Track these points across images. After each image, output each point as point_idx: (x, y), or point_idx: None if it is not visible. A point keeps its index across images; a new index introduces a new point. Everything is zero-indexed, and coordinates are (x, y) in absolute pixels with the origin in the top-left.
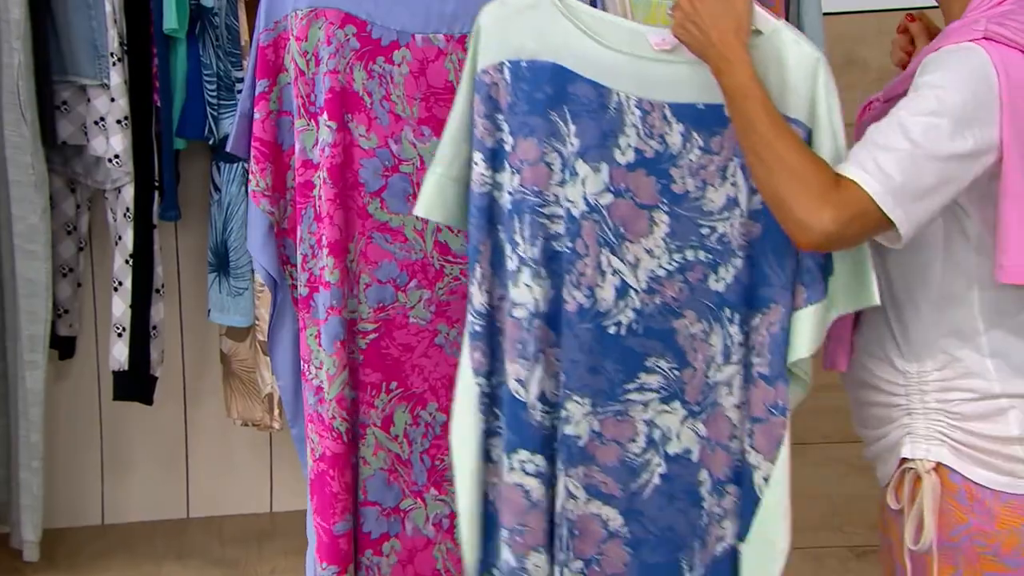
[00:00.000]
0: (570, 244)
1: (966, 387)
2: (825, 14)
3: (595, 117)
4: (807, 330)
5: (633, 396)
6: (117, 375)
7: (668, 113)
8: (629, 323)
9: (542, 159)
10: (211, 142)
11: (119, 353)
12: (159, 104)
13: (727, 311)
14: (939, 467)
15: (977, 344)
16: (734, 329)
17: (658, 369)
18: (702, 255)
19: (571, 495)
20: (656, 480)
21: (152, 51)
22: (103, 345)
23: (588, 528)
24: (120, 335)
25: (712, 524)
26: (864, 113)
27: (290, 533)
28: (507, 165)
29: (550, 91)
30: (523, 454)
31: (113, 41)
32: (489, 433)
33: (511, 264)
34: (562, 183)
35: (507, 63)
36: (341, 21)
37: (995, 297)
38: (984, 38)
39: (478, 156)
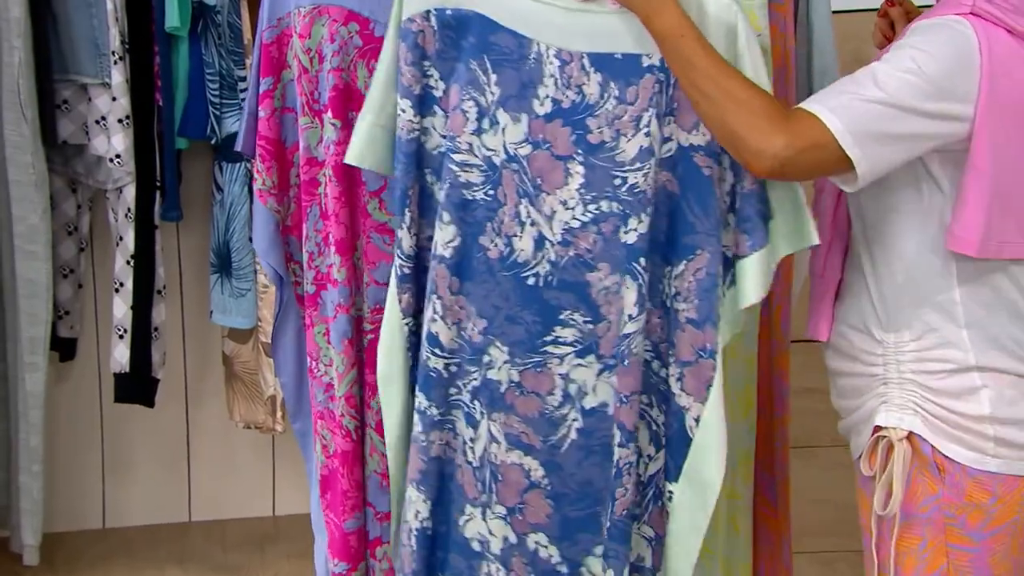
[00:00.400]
0: (491, 192)
1: (941, 357)
2: (834, 12)
3: (515, 67)
4: (754, 276)
5: (550, 349)
6: (118, 377)
7: (586, 63)
8: (546, 275)
9: (460, 106)
10: (213, 141)
11: (120, 355)
12: (161, 103)
13: (641, 262)
14: (911, 436)
15: (953, 314)
16: (642, 280)
17: (572, 322)
18: (615, 206)
19: (494, 439)
20: (573, 435)
21: (154, 49)
22: (104, 347)
23: (510, 476)
24: (121, 337)
25: (627, 475)
26: None
27: (294, 537)
28: (438, 109)
29: (472, 40)
30: (420, 398)
31: (114, 39)
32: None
33: (438, 206)
34: (478, 132)
35: (433, 11)
36: (344, 18)
37: (971, 268)
38: (971, 13)
39: (405, 103)
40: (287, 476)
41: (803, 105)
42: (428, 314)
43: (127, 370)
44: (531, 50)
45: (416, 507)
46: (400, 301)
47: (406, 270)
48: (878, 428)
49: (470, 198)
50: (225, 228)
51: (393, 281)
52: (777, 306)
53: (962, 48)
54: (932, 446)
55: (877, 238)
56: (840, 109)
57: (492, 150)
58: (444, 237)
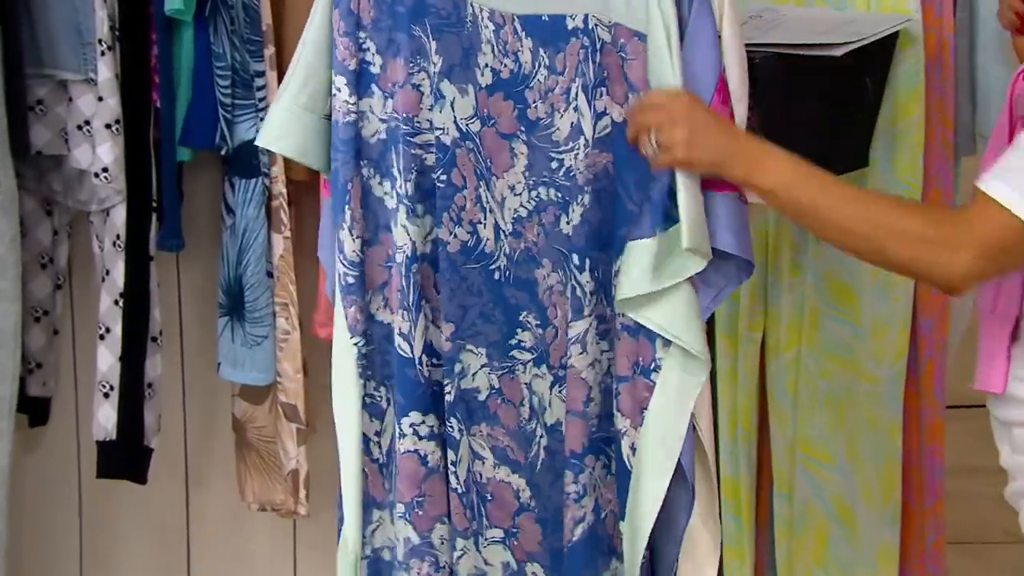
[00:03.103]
0: (444, 176)
1: None
2: None
3: (455, 31)
4: (632, 266)
5: (515, 354)
6: (102, 446)
7: (518, 26)
8: (503, 269)
9: (409, 81)
10: (223, 152)
11: (105, 418)
12: (159, 104)
13: (575, 257)
14: None
15: None
16: (584, 277)
17: (528, 325)
18: (553, 193)
19: (477, 456)
20: (542, 453)
21: (151, 38)
22: (85, 408)
23: (501, 496)
24: (107, 395)
25: (569, 505)
26: (1019, 82)
27: None
28: (376, 89)
29: (410, 3)
30: (414, 416)
31: (102, 25)
32: (370, 407)
33: (390, 203)
34: (430, 107)
35: None
36: None
37: None
38: None
39: (340, 81)
40: (311, 570)
41: (983, 189)
42: (415, 325)
43: (113, 437)
44: (466, 11)
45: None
46: (347, 317)
47: (350, 279)
48: None
49: (433, 183)
50: (237, 260)
51: (337, 293)
52: (928, 361)
53: None
54: None
55: None
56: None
57: (441, 128)
58: (421, 232)
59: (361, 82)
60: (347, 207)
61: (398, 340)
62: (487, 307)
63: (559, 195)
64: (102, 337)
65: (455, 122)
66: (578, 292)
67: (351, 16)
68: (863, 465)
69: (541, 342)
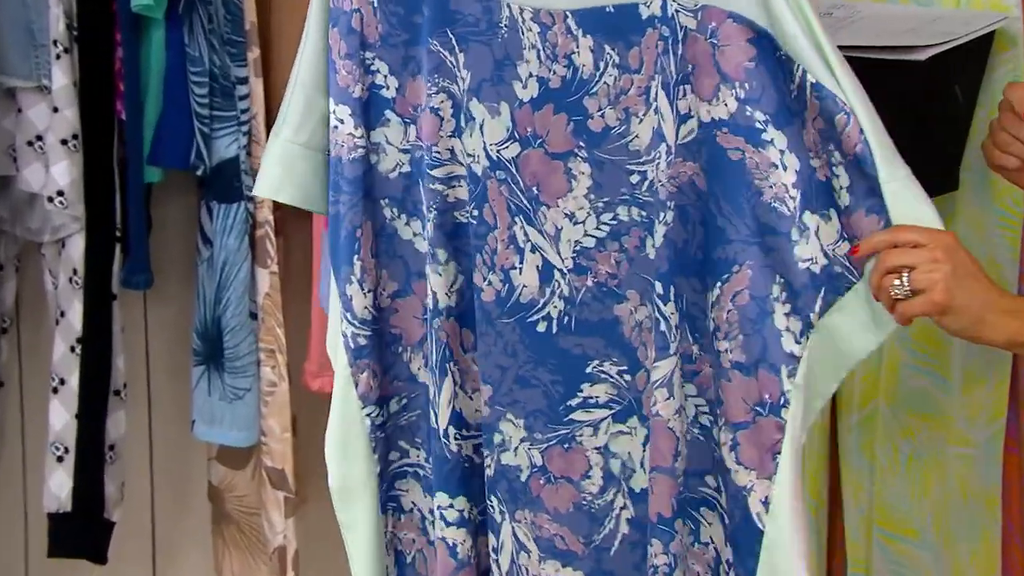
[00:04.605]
0: (476, 213)
1: None
2: None
3: (486, 41)
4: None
5: (578, 416)
6: (55, 519)
7: (572, 24)
8: (560, 316)
9: (429, 104)
10: (200, 172)
11: (58, 486)
12: (124, 116)
13: (658, 285)
14: None
15: None
16: (668, 308)
17: (604, 376)
18: (636, 212)
19: (522, 547)
20: (624, 528)
21: (115, 38)
22: (34, 474)
23: None
24: (60, 459)
25: None
26: None
27: None
28: (392, 115)
29: (428, 12)
30: (441, 498)
31: (57, 24)
32: (397, 475)
33: (422, 246)
34: (456, 133)
35: None
36: None
37: None
38: None
39: (343, 111)
40: None
41: None
42: (440, 391)
43: (68, 508)
44: (501, 15)
45: None
46: (357, 384)
47: (361, 340)
48: None
49: (463, 221)
50: (215, 299)
51: (343, 357)
52: None
53: None
54: None
55: None
56: None
57: (471, 155)
58: (444, 282)
59: (371, 110)
60: (356, 257)
61: (425, 408)
62: (526, 369)
63: (643, 214)
64: (55, 390)
65: (484, 149)
66: (663, 327)
67: (353, 35)
68: (954, 542)
69: (628, 391)
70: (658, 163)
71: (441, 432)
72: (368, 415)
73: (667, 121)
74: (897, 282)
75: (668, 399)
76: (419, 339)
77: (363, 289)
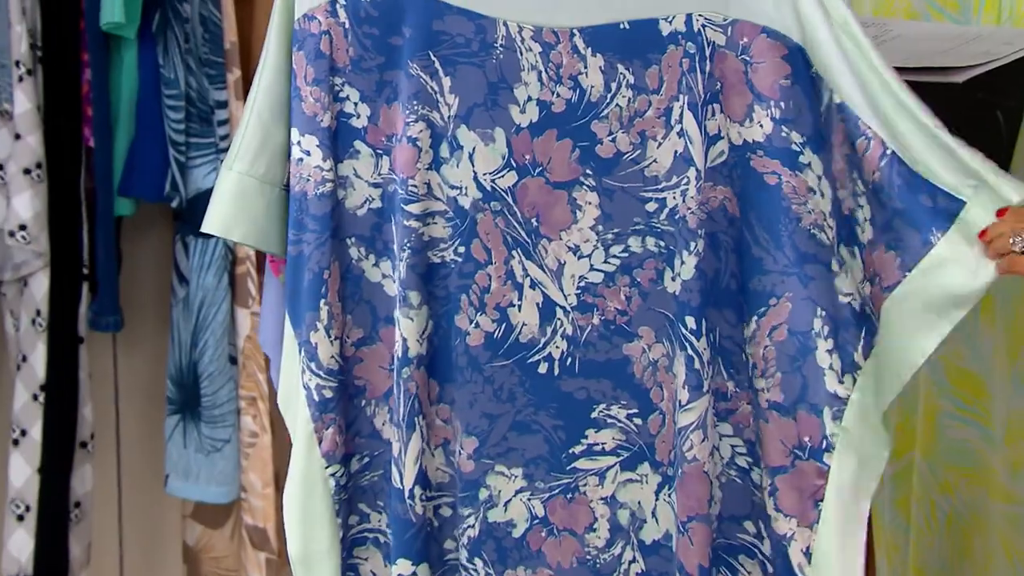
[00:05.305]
0: (461, 250)
1: None
2: None
3: (478, 62)
4: (919, 321)
5: (582, 464)
6: None
7: (580, 43)
8: (562, 357)
9: (406, 134)
10: (175, 204)
11: (18, 548)
12: (92, 144)
13: (689, 321)
14: None
15: None
16: (701, 344)
17: (611, 421)
18: (652, 243)
19: None
20: None
21: (82, 59)
22: None
23: None
24: (21, 518)
25: None
26: None
27: None
28: (363, 146)
29: (409, 32)
30: (403, 565)
31: (19, 43)
32: (356, 541)
33: (391, 289)
34: (434, 165)
35: (341, 0)
36: None
37: None
38: None
39: (309, 142)
40: None
41: None
42: (406, 447)
43: (29, 572)
44: (496, 34)
45: None
46: (321, 441)
47: (327, 392)
48: None
49: (437, 261)
50: (192, 342)
51: (305, 412)
52: None
53: None
54: None
55: None
56: None
57: (456, 187)
58: (416, 328)
59: (339, 141)
60: (323, 302)
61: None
62: (525, 414)
63: (661, 244)
64: (16, 442)
65: (475, 179)
66: (696, 364)
67: (322, 59)
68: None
69: (638, 435)
70: (684, 189)
71: (406, 492)
72: (332, 475)
73: (695, 144)
74: (1019, 238)
75: (704, 441)
76: (384, 392)
77: (330, 337)
